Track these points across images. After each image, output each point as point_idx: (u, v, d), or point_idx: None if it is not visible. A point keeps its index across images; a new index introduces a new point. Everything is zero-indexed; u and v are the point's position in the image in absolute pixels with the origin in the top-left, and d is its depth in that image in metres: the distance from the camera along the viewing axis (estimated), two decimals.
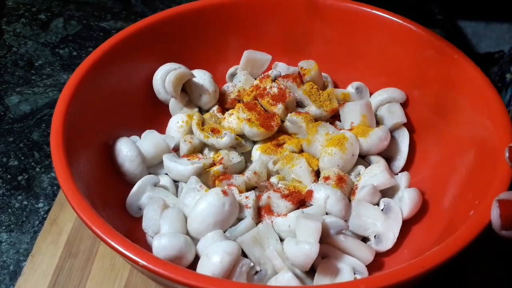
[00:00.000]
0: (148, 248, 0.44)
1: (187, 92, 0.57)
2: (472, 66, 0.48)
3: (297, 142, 0.52)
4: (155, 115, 0.57)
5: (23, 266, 0.51)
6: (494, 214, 0.36)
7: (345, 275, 0.42)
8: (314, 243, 0.40)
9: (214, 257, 0.40)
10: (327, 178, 0.48)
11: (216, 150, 0.53)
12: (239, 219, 0.46)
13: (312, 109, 0.54)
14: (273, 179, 0.50)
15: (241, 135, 0.54)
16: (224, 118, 0.55)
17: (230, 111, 0.56)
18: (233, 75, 0.62)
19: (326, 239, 0.43)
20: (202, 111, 0.58)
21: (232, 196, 0.45)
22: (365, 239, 0.46)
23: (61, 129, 0.42)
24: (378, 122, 0.55)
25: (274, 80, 0.58)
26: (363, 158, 0.52)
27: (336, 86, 0.61)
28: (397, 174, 0.51)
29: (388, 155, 0.53)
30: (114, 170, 0.50)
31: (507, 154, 0.39)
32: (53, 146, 0.41)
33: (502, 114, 0.44)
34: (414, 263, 0.33)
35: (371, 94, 0.58)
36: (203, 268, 0.40)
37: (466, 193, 0.43)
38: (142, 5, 0.93)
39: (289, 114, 0.53)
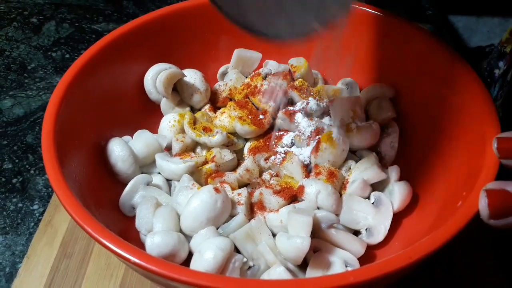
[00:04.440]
0: (142, 246, 0.45)
1: (179, 91, 0.58)
2: (460, 61, 0.49)
3: (289, 139, 0.53)
4: (147, 115, 0.57)
5: (19, 268, 0.52)
6: (482, 204, 0.36)
7: (337, 268, 0.42)
8: (306, 237, 0.40)
9: (207, 253, 0.40)
10: (318, 174, 0.48)
11: (208, 148, 0.53)
12: (232, 216, 0.46)
13: (302, 105, 0.54)
14: (265, 176, 0.51)
15: (233, 133, 0.54)
16: (216, 116, 0.56)
17: (221, 110, 0.56)
18: (224, 73, 0.62)
19: (317, 233, 0.44)
20: (193, 110, 0.59)
21: (224, 193, 0.45)
22: (356, 233, 0.47)
23: (52, 130, 0.42)
24: (368, 117, 0.56)
25: (264, 78, 0.58)
26: (354, 153, 0.53)
27: (326, 82, 0.62)
28: (387, 168, 0.51)
29: (378, 150, 0.54)
30: (106, 170, 0.50)
31: (495, 145, 0.39)
32: (45, 148, 0.41)
33: (490, 107, 0.44)
34: (402, 254, 0.33)
35: (361, 90, 0.59)
36: (196, 264, 0.41)
37: (455, 185, 0.43)
38: (134, 6, 0.93)
39: (280, 111, 0.54)
